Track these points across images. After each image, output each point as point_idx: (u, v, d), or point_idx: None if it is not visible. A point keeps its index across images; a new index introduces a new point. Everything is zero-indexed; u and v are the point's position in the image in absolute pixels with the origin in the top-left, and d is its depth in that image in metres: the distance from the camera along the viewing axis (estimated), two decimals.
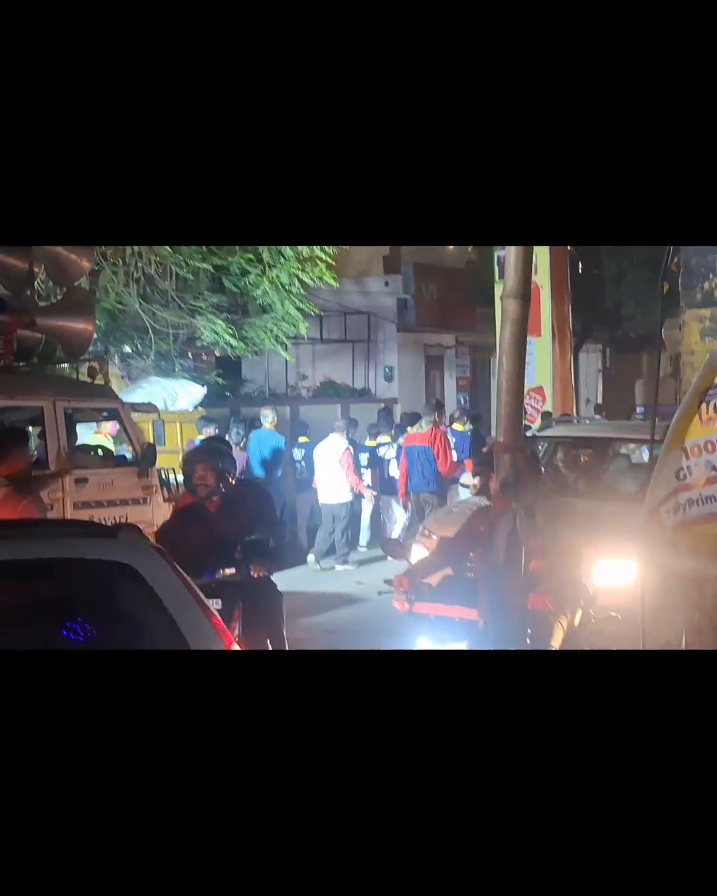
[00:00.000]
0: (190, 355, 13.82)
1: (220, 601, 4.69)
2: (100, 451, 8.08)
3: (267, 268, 12.39)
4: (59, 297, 8.03)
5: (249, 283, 12.50)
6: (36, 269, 7.25)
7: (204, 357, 14.41)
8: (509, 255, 3.85)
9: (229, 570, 4.84)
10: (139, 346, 12.35)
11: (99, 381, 7.70)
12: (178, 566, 3.14)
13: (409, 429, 10.49)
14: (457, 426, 10.96)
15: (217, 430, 9.61)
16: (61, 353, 7.56)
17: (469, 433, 10.57)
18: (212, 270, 12.23)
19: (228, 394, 14.61)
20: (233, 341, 12.57)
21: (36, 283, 7.46)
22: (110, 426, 8.35)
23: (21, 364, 7.31)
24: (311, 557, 10.05)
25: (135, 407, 7.90)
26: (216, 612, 4.69)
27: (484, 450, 7.13)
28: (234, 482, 5.16)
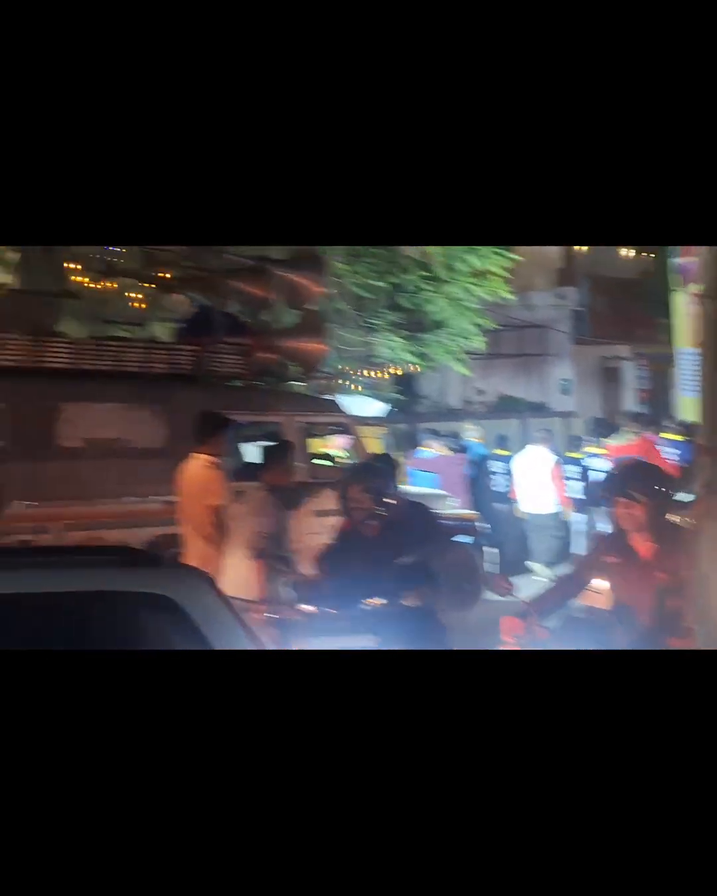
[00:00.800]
0: (367, 372, 14.55)
1: (377, 639, 4.31)
2: (331, 462, 8.81)
3: (442, 284, 12.98)
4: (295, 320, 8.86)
5: (425, 300, 13.09)
6: (272, 295, 8.08)
7: (381, 374, 15.13)
8: (703, 255, 3.68)
9: (377, 600, 4.42)
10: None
11: (329, 396, 8.49)
12: (227, 598, 2.97)
13: (605, 440, 10.85)
14: (669, 435, 11.15)
15: (440, 445, 10.25)
16: (296, 371, 8.38)
17: (690, 443, 10.84)
18: (389, 288, 12.91)
19: (393, 408, 15.28)
20: (410, 357, 13.18)
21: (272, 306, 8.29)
22: (341, 440, 9.10)
23: (260, 382, 8.14)
24: (536, 567, 10.55)
25: (362, 421, 8.63)
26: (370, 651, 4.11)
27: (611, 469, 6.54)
28: (395, 503, 4.86)
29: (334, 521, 7.50)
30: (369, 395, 13.44)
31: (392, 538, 4.69)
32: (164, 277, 8.72)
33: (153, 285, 9.01)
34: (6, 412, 7.00)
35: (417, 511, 5.21)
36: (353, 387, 13.66)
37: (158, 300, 8.93)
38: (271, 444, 6.62)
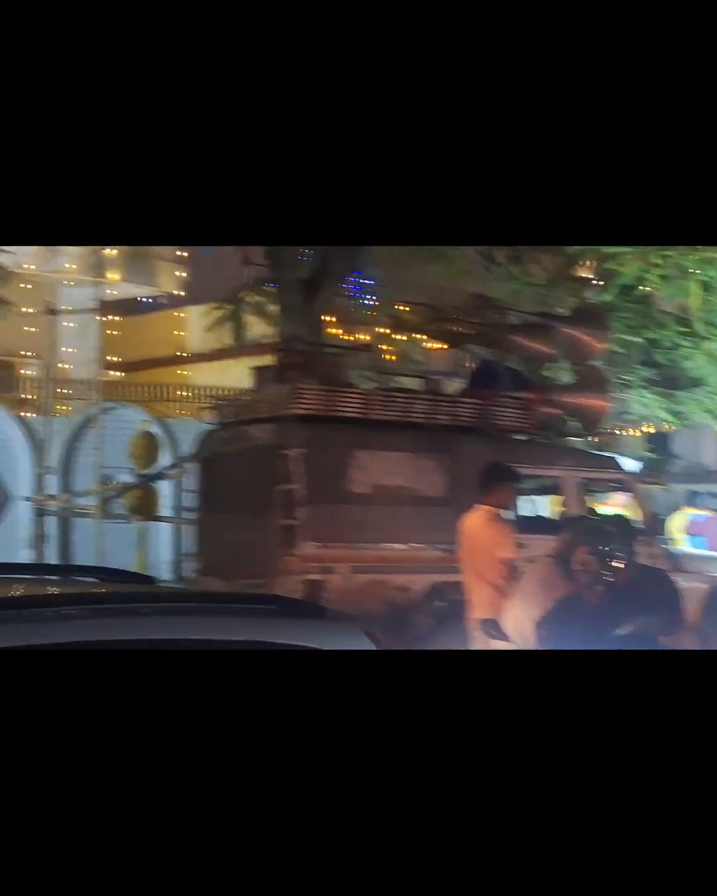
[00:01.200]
0: (619, 430, 14.47)
1: None
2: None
3: (702, 340, 12.79)
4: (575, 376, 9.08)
5: (681, 356, 12.92)
6: (554, 350, 8.34)
7: (633, 432, 15.01)
8: None
9: None
10: None
11: (609, 453, 8.62)
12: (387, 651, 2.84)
13: None
14: None
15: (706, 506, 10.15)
16: (575, 427, 8.58)
17: None
18: (644, 344, 12.85)
19: (645, 466, 15.04)
20: (664, 415, 13.02)
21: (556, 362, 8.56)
22: (619, 497, 9.20)
23: (540, 436, 8.39)
24: None
25: (641, 479, 8.70)
26: None
27: None
28: (624, 568, 4.58)
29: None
30: (619, 453, 13.38)
31: (621, 605, 4.45)
32: (447, 332, 9.14)
33: (435, 339, 9.45)
34: (303, 457, 7.52)
35: (651, 577, 4.92)
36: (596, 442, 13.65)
37: (438, 354, 9.36)
38: (571, 518, 6.69)
